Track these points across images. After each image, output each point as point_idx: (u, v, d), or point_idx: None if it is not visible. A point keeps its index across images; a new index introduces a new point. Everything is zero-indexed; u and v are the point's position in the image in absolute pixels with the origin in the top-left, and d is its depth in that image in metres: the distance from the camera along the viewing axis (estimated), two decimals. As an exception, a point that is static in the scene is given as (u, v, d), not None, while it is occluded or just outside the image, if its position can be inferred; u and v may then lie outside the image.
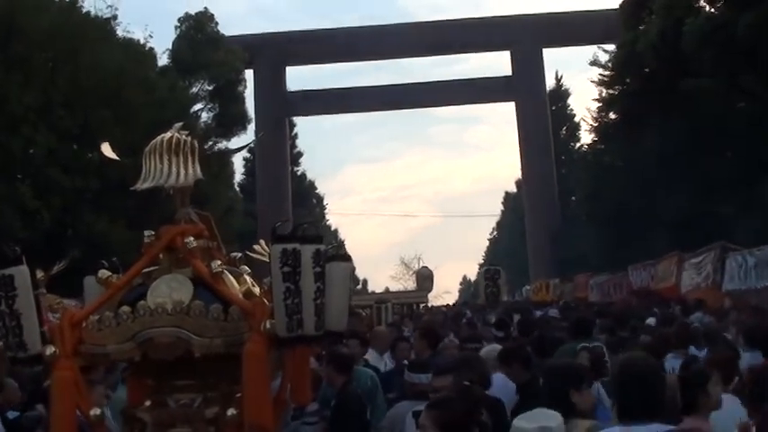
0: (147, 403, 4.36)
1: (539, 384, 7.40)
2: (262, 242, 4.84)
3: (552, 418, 4.68)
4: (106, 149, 4.85)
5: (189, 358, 4.06)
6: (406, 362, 8.98)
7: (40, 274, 4.25)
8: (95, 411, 4.14)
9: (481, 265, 72.33)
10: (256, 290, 4.41)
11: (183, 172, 4.32)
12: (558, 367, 6.32)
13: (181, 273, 4.25)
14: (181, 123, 4.55)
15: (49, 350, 4.03)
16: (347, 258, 4.56)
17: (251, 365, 3.94)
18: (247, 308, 4.09)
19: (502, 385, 8.29)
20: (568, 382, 5.58)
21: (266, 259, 4.28)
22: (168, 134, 4.39)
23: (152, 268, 4.36)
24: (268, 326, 3.94)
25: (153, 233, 4.37)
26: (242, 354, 3.97)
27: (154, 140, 4.35)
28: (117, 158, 4.83)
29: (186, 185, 4.38)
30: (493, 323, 16.33)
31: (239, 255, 4.73)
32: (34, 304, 4.04)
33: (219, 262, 4.29)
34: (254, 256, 4.85)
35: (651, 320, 15.86)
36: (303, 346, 4.34)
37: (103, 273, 4.31)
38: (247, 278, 4.52)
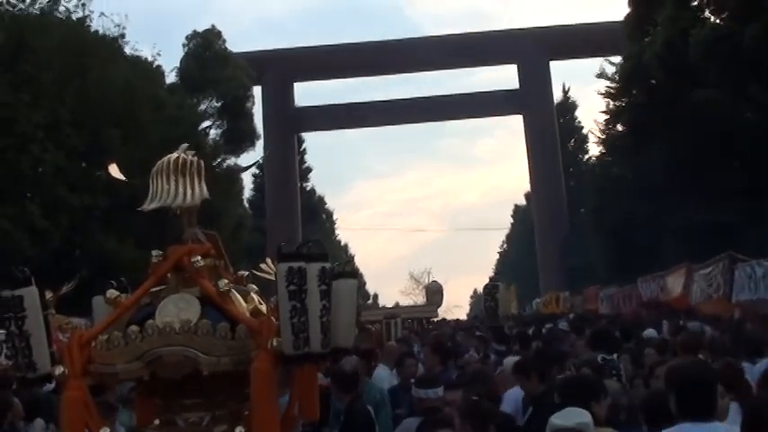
0: (156, 422, 4.39)
1: (553, 399, 7.47)
2: (268, 260, 4.87)
3: (585, 415, 5.11)
4: (113, 170, 4.90)
5: (197, 377, 4.09)
6: (413, 380, 9.02)
7: (48, 294, 4.29)
8: (104, 431, 4.17)
9: (491, 279, 72.29)
10: (263, 308, 4.44)
11: (189, 192, 4.36)
12: (579, 380, 6.50)
13: (188, 292, 4.29)
14: (187, 144, 4.59)
15: (59, 370, 4.07)
16: (354, 275, 4.60)
17: (258, 383, 3.98)
18: (254, 326, 4.12)
19: (514, 400, 8.36)
20: (590, 395, 5.77)
21: (273, 277, 4.31)
22: (174, 155, 4.43)
23: (160, 288, 4.39)
24: (275, 344, 3.98)
25: (160, 253, 4.41)
26: (249, 372, 4.00)
27: (160, 161, 4.40)
28: (124, 179, 4.88)
29: (193, 205, 4.42)
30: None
31: (246, 273, 4.76)
32: (43, 325, 4.09)
33: (226, 281, 4.33)
34: (260, 274, 4.88)
35: (650, 332, 15.94)
36: (310, 364, 4.36)
37: (112, 293, 4.34)
38: (254, 296, 4.55)
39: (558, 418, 5.10)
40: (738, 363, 8.60)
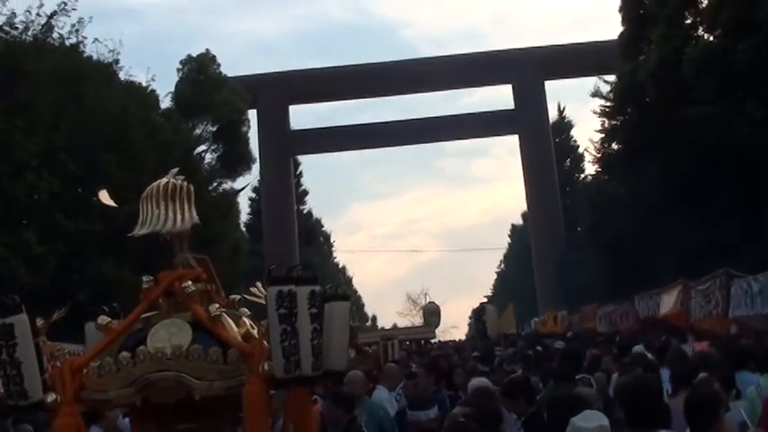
0: (151, 448, 4.38)
1: (542, 418, 7.57)
2: (258, 284, 4.87)
3: (603, 418, 5.36)
4: (104, 197, 4.91)
5: (190, 402, 4.08)
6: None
7: (40, 321, 4.28)
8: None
9: (489, 299, 72.20)
10: (255, 332, 4.43)
11: (179, 217, 4.36)
12: (565, 398, 6.64)
13: (180, 317, 4.28)
14: (176, 169, 4.59)
15: (51, 397, 4.06)
16: (346, 298, 4.59)
17: (250, 407, 3.97)
18: (246, 350, 4.12)
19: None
20: (574, 412, 5.89)
21: (263, 301, 4.31)
22: (164, 180, 4.44)
23: (151, 313, 4.39)
24: (266, 367, 3.97)
25: (151, 278, 4.41)
26: (242, 396, 4.00)
27: (150, 186, 4.40)
28: (115, 205, 4.89)
29: (183, 230, 4.42)
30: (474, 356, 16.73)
31: (238, 297, 4.75)
32: (35, 352, 4.07)
33: (218, 305, 4.32)
34: (250, 298, 4.87)
35: (639, 348, 16.00)
36: (302, 387, 4.36)
37: (103, 319, 4.33)
38: (246, 320, 4.54)
39: (578, 420, 5.33)
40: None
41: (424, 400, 7.93)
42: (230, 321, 4.39)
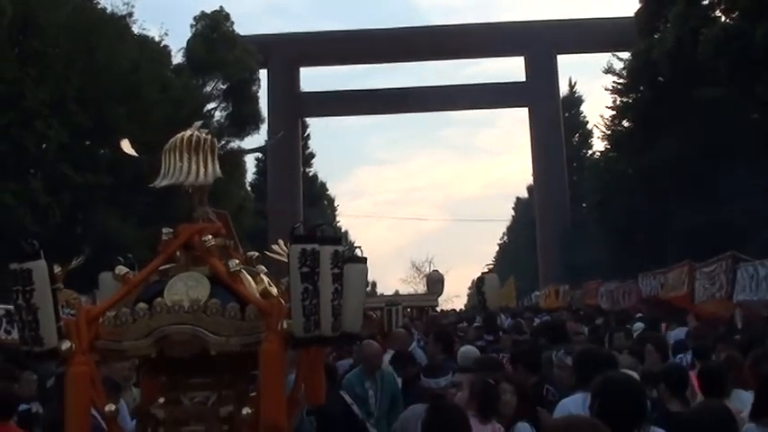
0: (161, 400, 4.35)
1: (542, 389, 7.61)
2: (280, 242, 4.82)
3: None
4: (125, 146, 4.87)
5: (204, 356, 4.05)
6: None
7: (57, 269, 4.24)
8: (110, 407, 4.15)
9: (491, 270, 72.23)
10: (273, 289, 4.40)
11: (202, 170, 4.32)
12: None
13: (198, 271, 4.25)
14: (201, 122, 4.55)
15: (65, 345, 4.02)
16: (363, 260, 4.55)
17: (267, 365, 3.94)
18: (264, 307, 4.08)
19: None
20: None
21: (284, 259, 4.27)
22: (188, 132, 4.39)
23: (169, 266, 4.35)
24: (285, 326, 3.94)
25: (171, 230, 4.37)
26: (258, 353, 3.97)
27: (173, 138, 4.35)
28: (136, 155, 4.86)
29: (205, 184, 4.38)
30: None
31: (256, 254, 4.71)
32: (51, 299, 4.03)
33: (237, 261, 4.29)
34: (272, 255, 4.83)
35: (639, 325, 16.09)
36: (318, 347, 4.33)
37: (121, 269, 4.29)
38: (264, 278, 4.51)
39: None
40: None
41: (436, 367, 7.92)
42: (249, 278, 4.35)
